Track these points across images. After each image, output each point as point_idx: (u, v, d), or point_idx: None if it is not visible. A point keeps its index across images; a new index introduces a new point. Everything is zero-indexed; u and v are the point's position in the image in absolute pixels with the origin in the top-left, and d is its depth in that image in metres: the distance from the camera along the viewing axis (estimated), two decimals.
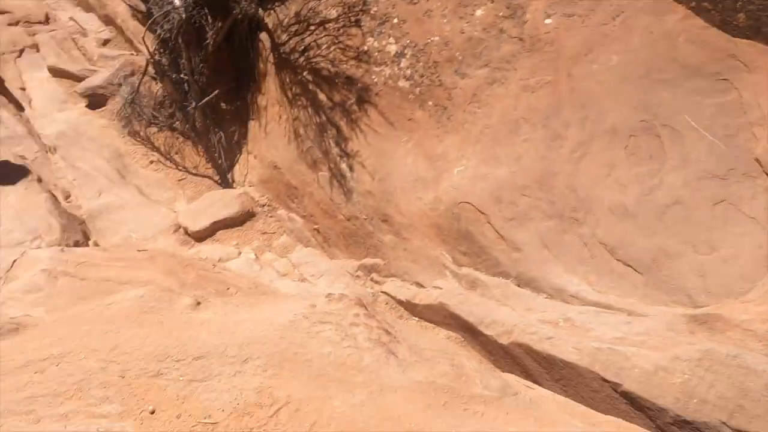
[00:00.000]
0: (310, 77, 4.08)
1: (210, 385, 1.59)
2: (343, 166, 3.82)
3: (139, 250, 3.66)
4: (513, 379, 1.92)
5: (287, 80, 4.33)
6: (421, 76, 3.48)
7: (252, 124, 5.12)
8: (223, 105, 5.53)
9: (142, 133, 6.08)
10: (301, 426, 1.46)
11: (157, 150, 5.93)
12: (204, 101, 5.26)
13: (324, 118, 3.97)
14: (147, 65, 5.41)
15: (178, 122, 5.86)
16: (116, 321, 1.84)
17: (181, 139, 5.94)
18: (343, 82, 3.83)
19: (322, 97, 4.00)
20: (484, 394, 1.65)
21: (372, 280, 3.57)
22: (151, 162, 5.84)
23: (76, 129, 5.96)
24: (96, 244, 4.26)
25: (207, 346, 1.69)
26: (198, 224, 4.46)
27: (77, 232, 4.17)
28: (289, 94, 4.32)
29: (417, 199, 3.34)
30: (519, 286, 2.75)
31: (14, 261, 3.19)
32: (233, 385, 1.57)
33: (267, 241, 4.48)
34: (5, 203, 4.16)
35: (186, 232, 4.59)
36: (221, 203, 4.63)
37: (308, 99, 4.11)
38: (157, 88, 6.02)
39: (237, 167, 5.41)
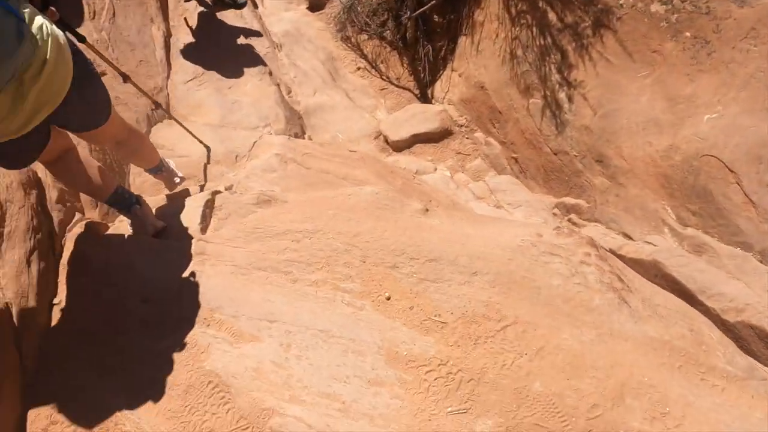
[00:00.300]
0: None
1: (440, 287, 1.69)
2: (562, 95, 3.56)
3: (350, 150, 3.95)
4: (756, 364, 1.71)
5: None
6: (684, 1, 2.97)
7: (462, 40, 4.99)
8: (435, 17, 5.47)
9: (353, 39, 6.35)
10: (528, 347, 1.49)
11: (365, 57, 6.17)
12: (419, 11, 5.24)
13: (549, 40, 3.68)
14: None
15: (388, 31, 5.97)
16: (356, 211, 2.03)
17: (388, 48, 6.08)
18: (582, 1, 3.46)
19: (551, 16, 3.68)
20: (727, 370, 1.50)
21: (570, 221, 3.40)
22: (358, 68, 6.12)
23: (298, 29, 6.43)
24: (310, 138, 4.70)
25: (438, 251, 1.78)
26: (398, 134, 4.64)
27: (296, 125, 4.63)
28: (513, 11, 4.07)
29: (646, 143, 3.00)
30: (761, 262, 2.38)
31: (254, 143, 3.68)
32: (462, 293, 1.65)
33: (461, 162, 4.50)
34: (244, 90, 4.75)
35: (385, 140, 4.82)
36: (422, 117, 4.72)
37: (535, 18, 3.83)
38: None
39: (438, 83, 5.41)
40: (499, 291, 1.63)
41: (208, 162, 3.36)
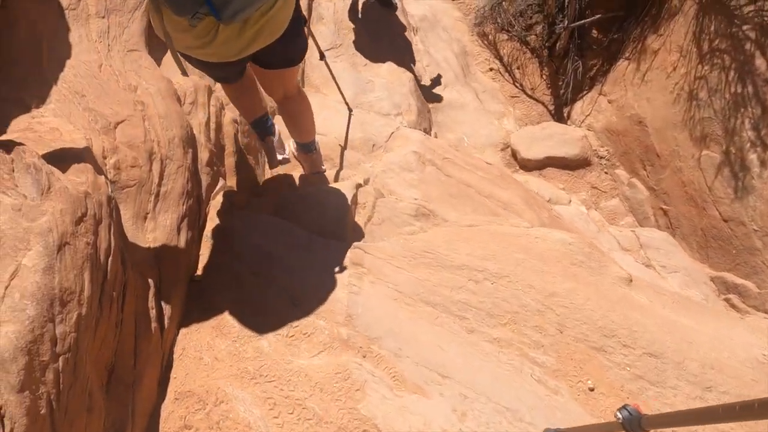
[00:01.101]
0: (751, 34, 3.24)
1: (662, 394, 1.36)
2: (752, 156, 3.07)
3: (486, 162, 3.63)
4: None
5: (710, 28, 3.54)
6: None
7: (622, 64, 4.50)
8: (594, 32, 4.98)
9: (490, 37, 5.95)
10: None
11: (500, 59, 5.77)
12: (579, 23, 4.78)
13: (749, 90, 3.18)
14: None
15: (533, 36, 5.53)
16: (548, 262, 1.72)
17: (528, 54, 5.64)
18: None
19: (759, 63, 3.17)
20: None
21: (729, 302, 2.94)
22: (491, 69, 5.73)
23: (435, 15, 6.09)
24: (435, 136, 4.41)
25: (659, 345, 1.45)
26: (530, 152, 4.26)
27: (426, 119, 4.34)
28: (705, 46, 3.56)
29: None
30: None
31: (391, 133, 3.42)
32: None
33: (594, 198, 4.08)
34: (378, 71, 4.50)
35: (513, 155, 4.45)
36: (561, 139, 4.31)
37: (734, 59, 3.32)
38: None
39: (579, 104, 4.95)
40: (744, 424, 1.30)
41: (345, 147, 3.14)
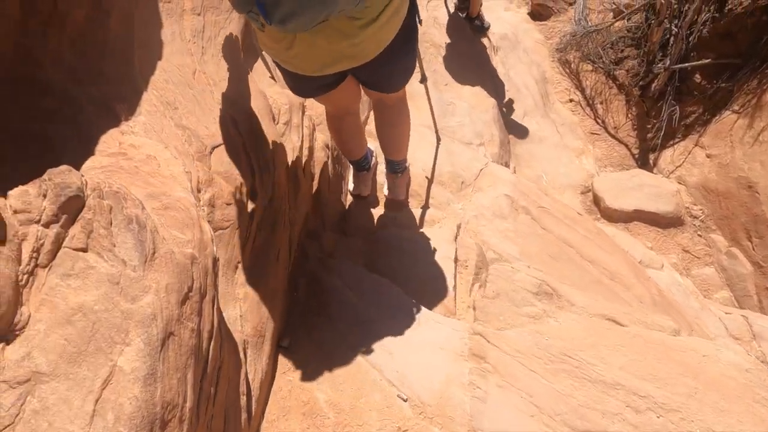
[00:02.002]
0: None
1: None
2: None
3: (578, 213, 3.28)
4: None
5: None
6: None
7: (729, 118, 4.09)
8: (697, 77, 4.57)
9: (573, 65, 5.57)
10: None
11: (581, 90, 5.39)
12: (683, 65, 4.38)
13: None
14: (661, 4, 4.41)
15: (622, 71, 5.14)
16: (726, 395, 1.37)
17: (614, 89, 5.25)
18: None
19: None
20: None
21: None
22: (570, 100, 5.36)
23: (516, 35, 5.74)
24: (514, 171, 4.06)
25: None
26: (617, 202, 3.88)
27: (507, 153, 4.01)
28: None
29: None
30: None
31: (480, 170, 3.10)
32: None
33: (686, 263, 3.69)
34: (461, 92, 4.18)
35: (596, 201, 4.08)
36: (652, 192, 3.92)
37: None
38: (619, 24, 5.31)
39: (669, 152, 4.54)
40: None
41: (432, 180, 2.83)
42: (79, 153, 1.39)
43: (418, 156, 2.93)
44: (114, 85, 1.74)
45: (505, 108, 4.72)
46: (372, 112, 2.48)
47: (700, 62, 4.30)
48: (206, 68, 2.02)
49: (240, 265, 1.50)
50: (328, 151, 2.30)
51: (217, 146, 1.64)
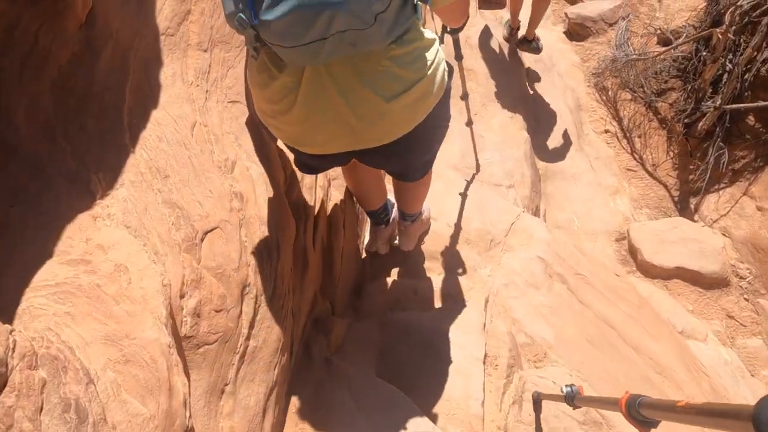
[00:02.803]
0: None
1: None
2: None
3: (615, 274, 2.95)
4: None
5: None
6: None
7: None
8: (750, 120, 4.20)
9: (610, 93, 5.21)
10: None
11: (618, 120, 5.03)
12: (736, 106, 4.01)
13: None
14: (718, 38, 4.01)
15: (665, 104, 4.77)
16: None
17: (655, 123, 4.88)
18: None
19: None
20: None
21: None
22: (606, 131, 5.00)
23: (551, 57, 5.38)
24: (545, 214, 3.74)
25: None
26: (657, 257, 3.54)
27: (538, 194, 3.69)
28: None
29: None
30: None
31: (512, 224, 2.79)
32: None
33: (729, 331, 3.34)
34: (490, 124, 3.87)
35: (632, 252, 3.75)
36: (696, 247, 3.57)
37: None
38: (667, 57, 4.93)
39: (713, 198, 4.18)
40: None
41: (457, 238, 2.52)
42: (35, 250, 1.12)
43: (442, 208, 2.63)
44: (95, 146, 1.46)
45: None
46: None
47: (756, 104, 3.93)
48: (208, 119, 1.74)
49: (226, 389, 1.23)
50: (343, 212, 2.01)
51: (211, 231, 1.37)
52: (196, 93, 1.81)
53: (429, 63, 1.19)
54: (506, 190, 3.33)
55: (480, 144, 3.57)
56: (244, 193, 1.53)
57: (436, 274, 2.27)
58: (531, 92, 4.79)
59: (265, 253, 1.43)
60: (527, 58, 5.09)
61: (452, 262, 2.36)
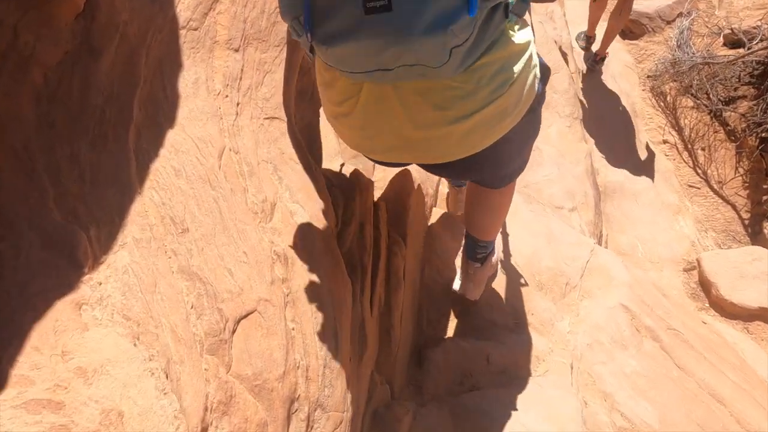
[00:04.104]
0: None
1: None
2: None
3: (702, 322, 2.51)
4: None
5: None
6: None
7: None
8: None
9: (668, 98, 4.73)
10: None
11: (678, 130, 4.55)
12: None
13: None
14: None
15: (735, 114, 4.28)
16: None
17: (721, 135, 4.40)
18: None
19: None
20: None
21: None
22: (665, 141, 4.53)
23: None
24: (606, 240, 3.30)
25: None
26: (736, 294, 3.09)
27: (600, 218, 3.23)
28: None
29: None
30: None
31: (587, 261, 2.36)
32: None
33: None
34: (546, 134, 3.41)
35: (704, 285, 3.30)
36: None
37: None
38: (732, 52, 4.42)
39: None
40: None
41: (527, 282, 2.09)
42: None
43: (517, 243, 2.20)
44: (89, 184, 1.05)
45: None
46: None
47: None
48: (240, 143, 1.32)
49: None
50: (403, 259, 1.59)
51: (246, 317, 0.96)
52: (225, 106, 1.40)
53: (513, 77, 0.99)
54: (569, 213, 2.89)
55: (536, 158, 3.12)
56: (289, 252, 1.12)
57: (507, 330, 1.85)
58: (583, 96, 4.32)
59: (319, 344, 1.02)
60: (578, 56, 4.61)
61: (524, 313, 1.94)
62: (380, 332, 1.45)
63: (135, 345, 0.81)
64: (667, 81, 4.68)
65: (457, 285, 1.76)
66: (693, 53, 4.39)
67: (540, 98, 1.18)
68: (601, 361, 1.86)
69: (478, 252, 1.67)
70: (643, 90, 4.82)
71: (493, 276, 1.95)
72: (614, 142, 3.99)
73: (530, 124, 1.17)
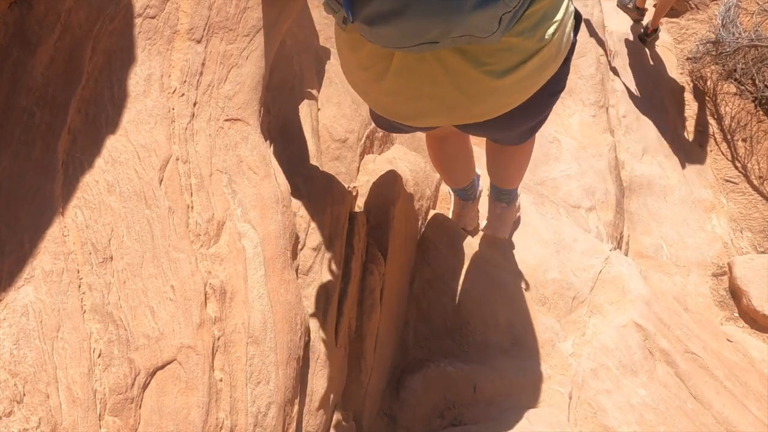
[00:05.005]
0: None
1: None
2: None
3: (728, 340, 2.29)
4: None
5: None
6: None
7: None
8: None
9: (709, 83, 4.36)
10: None
11: (718, 119, 4.20)
12: None
13: None
14: None
15: None
16: None
17: (766, 125, 4.04)
18: None
19: None
20: None
21: None
22: (700, 131, 4.18)
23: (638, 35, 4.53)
24: (628, 241, 3.06)
25: None
26: None
27: (622, 218, 2.98)
28: None
29: None
30: None
31: (599, 272, 2.16)
32: None
33: None
34: (567, 124, 3.16)
35: (734, 293, 3.04)
36: None
37: None
38: None
39: None
40: None
41: (527, 296, 1.91)
42: None
43: (529, 250, 2.01)
44: (2, 203, 0.93)
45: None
46: None
47: None
48: (192, 150, 1.17)
49: None
50: (381, 275, 1.43)
51: (162, 368, 0.83)
52: (180, 106, 1.25)
53: (555, 26, 0.98)
54: (585, 213, 2.67)
55: (554, 151, 2.89)
56: (229, 284, 0.98)
57: (500, 352, 1.69)
58: (613, 79, 4.00)
59: (251, 397, 0.88)
60: (612, 39, 4.27)
61: (522, 332, 1.77)
62: (349, 360, 1.30)
63: (11, 413, 0.69)
64: (709, 64, 4.31)
65: (484, 225, 1.95)
66: (739, 33, 4.00)
67: (573, 48, 1.16)
68: (605, 390, 1.69)
69: (504, 196, 1.84)
70: (681, 73, 4.46)
71: (517, 221, 2.07)
72: (645, 130, 3.69)
73: (563, 74, 1.15)
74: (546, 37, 0.97)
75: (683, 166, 3.76)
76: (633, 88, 4.01)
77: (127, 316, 0.87)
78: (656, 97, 4.09)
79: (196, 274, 0.95)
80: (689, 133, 4.10)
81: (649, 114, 3.84)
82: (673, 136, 3.92)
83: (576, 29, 1.12)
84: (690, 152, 3.94)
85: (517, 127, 1.27)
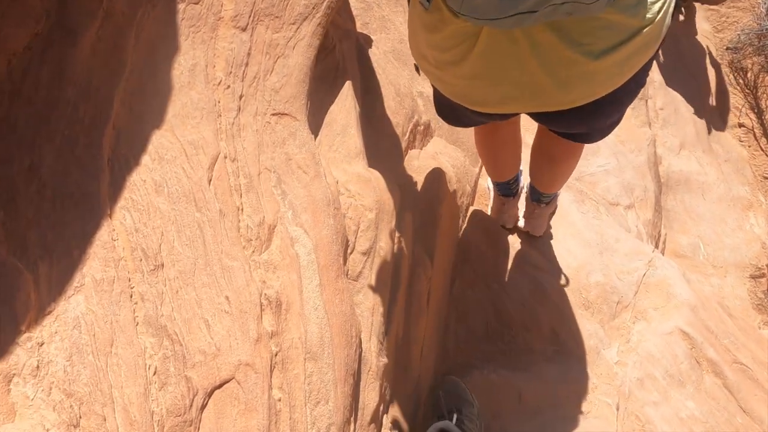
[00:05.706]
0: None
1: None
2: None
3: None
4: None
5: None
6: None
7: None
8: None
9: (749, 75, 4.19)
10: None
11: (758, 113, 4.04)
12: None
13: None
14: None
15: None
16: None
17: None
18: None
19: None
20: None
21: None
22: (740, 125, 4.03)
23: (676, 25, 4.35)
24: (665, 239, 2.96)
25: None
26: None
27: (660, 216, 2.88)
28: None
29: None
30: None
31: (644, 275, 2.07)
32: None
33: None
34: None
35: None
36: None
37: None
38: None
39: None
40: None
41: (570, 300, 1.84)
42: None
43: (570, 250, 1.94)
44: (48, 203, 0.88)
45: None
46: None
47: None
48: (239, 147, 1.11)
49: None
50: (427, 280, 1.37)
51: (219, 387, 0.78)
52: (225, 99, 1.18)
53: (661, 3, 0.90)
54: (624, 211, 2.57)
55: (592, 145, 2.78)
56: (284, 294, 0.92)
57: (544, 359, 1.63)
58: (653, 74, 3.84)
59: (310, 418, 0.83)
60: None
61: (567, 339, 1.70)
62: (395, 370, 1.25)
63: None
64: (750, 55, 4.12)
65: (521, 222, 1.88)
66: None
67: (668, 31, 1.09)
68: (653, 401, 1.62)
69: (544, 198, 1.76)
70: (720, 60, 4.28)
71: (553, 212, 1.99)
72: (683, 123, 3.55)
73: (651, 62, 1.05)
74: (649, 15, 0.89)
75: (721, 163, 3.63)
76: (671, 78, 3.86)
77: (182, 330, 0.82)
78: (696, 87, 3.93)
79: (251, 284, 0.89)
80: (728, 127, 3.95)
81: (688, 105, 3.70)
82: (709, 130, 3.77)
83: (674, 11, 1.03)
84: (728, 147, 3.79)
85: (601, 119, 1.17)
